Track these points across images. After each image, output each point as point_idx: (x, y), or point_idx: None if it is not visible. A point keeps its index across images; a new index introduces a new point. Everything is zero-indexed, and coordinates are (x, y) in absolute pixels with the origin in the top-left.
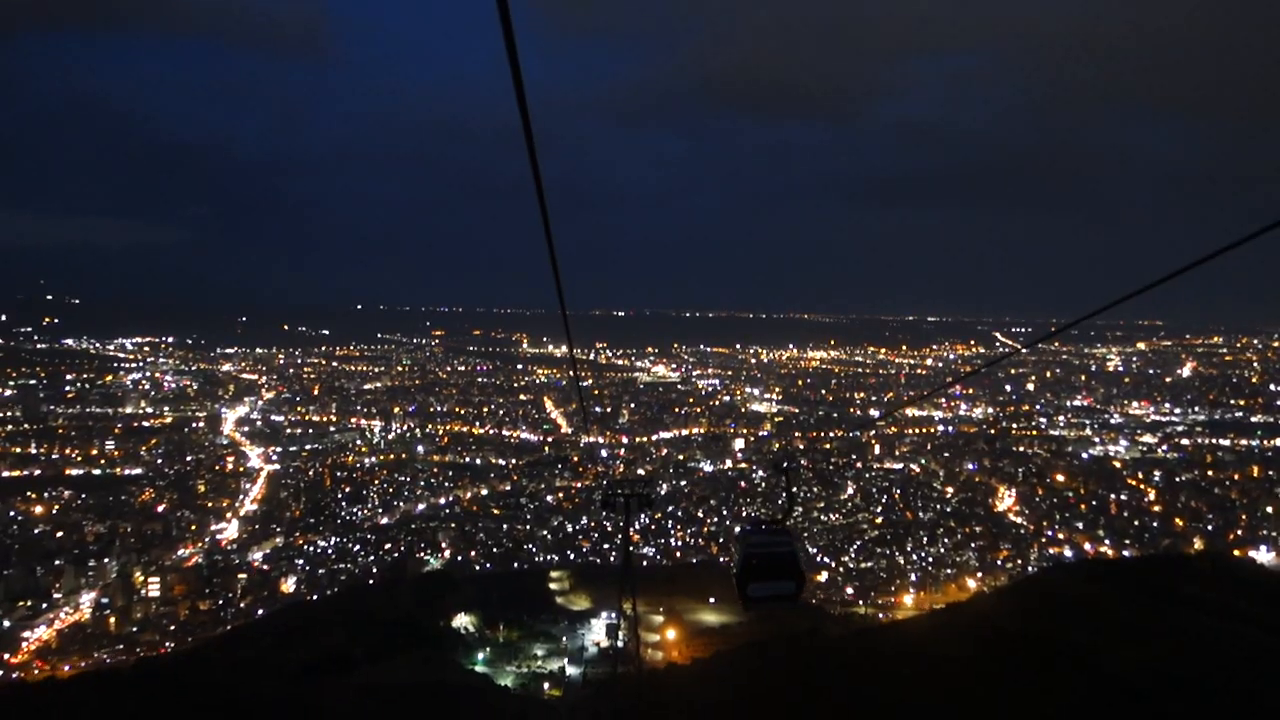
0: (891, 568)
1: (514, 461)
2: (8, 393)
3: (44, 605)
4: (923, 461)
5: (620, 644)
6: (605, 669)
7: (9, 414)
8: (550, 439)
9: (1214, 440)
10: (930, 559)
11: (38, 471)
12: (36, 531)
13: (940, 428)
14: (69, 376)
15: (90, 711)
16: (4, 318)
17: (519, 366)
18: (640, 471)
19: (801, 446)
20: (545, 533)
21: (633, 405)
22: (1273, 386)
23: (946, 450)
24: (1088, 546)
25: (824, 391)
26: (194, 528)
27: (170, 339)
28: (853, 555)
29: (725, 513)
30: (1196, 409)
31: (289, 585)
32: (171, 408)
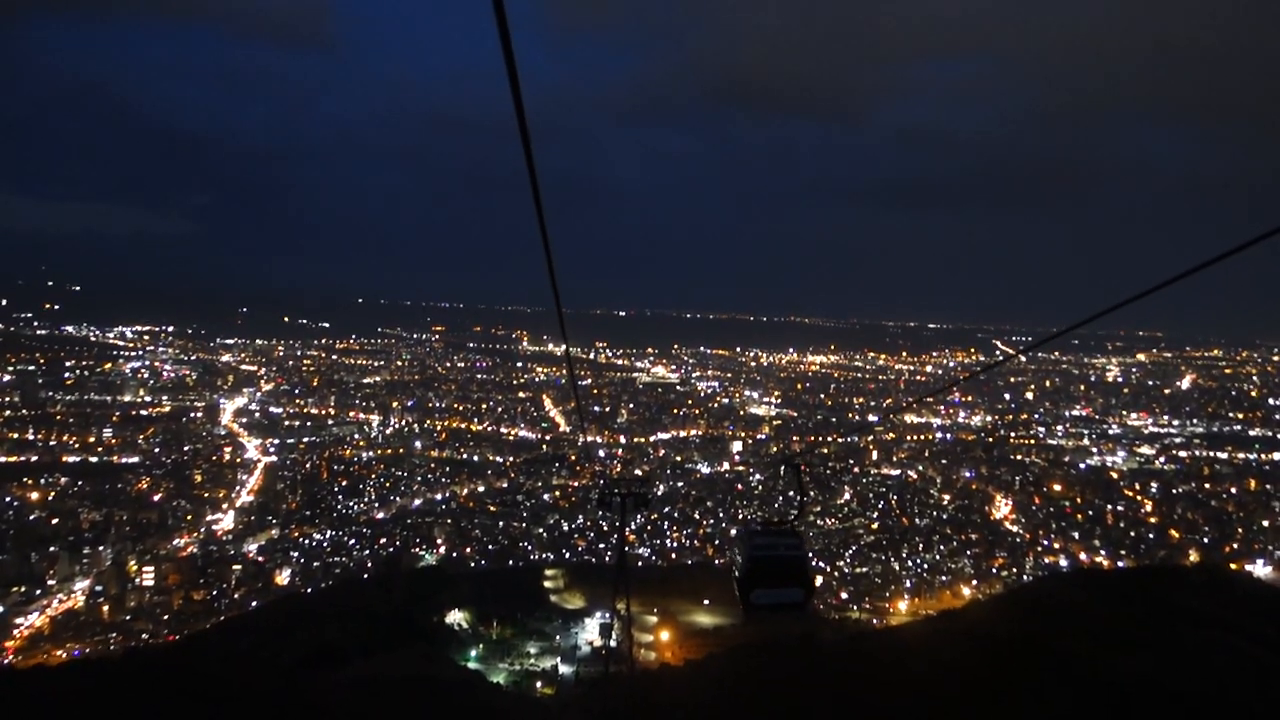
0: (887, 573)
1: (511, 459)
2: (6, 378)
3: (38, 592)
4: (920, 468)
5: (614, 644)
6: (598, 668)
7: (7, 399)
8: (548, 437)
9: (1212, 453)
10: (926, 565)
11: (34, 457)
12: (32, 517)
13: (938, 434)
14: (68, 363)
15: (80, 700)
16: (4, 303)
17: (518, 364)
18: (638, 472)
19: (799, 450)
20: (541, 531)
21: (631, 405)
22: (1272, 400)
23: (944, 457)
24: (1083, 556)
25: (823, 396)
26: (190, 517)
27: (170, 328)
28: (848, 560)
29: (722, 515)
30: (1195, 421)
31: (283, 577)
32: (170, 397)
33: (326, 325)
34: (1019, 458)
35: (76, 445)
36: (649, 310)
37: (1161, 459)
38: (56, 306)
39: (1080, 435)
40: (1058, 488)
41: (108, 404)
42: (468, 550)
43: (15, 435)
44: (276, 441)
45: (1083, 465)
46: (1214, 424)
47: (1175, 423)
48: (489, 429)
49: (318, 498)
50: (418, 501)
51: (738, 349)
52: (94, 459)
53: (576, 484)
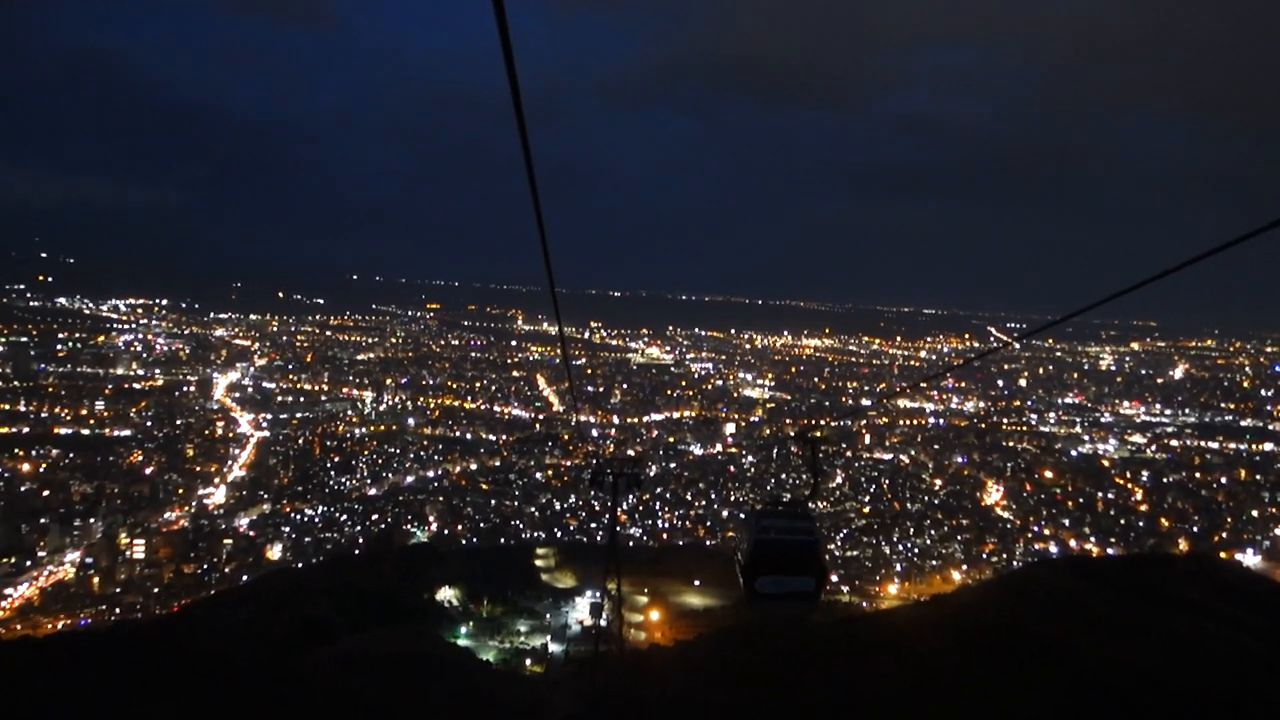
0: (877, 557)
1: (504, 437)
2: None
3: (28, 563)
4: (912, 453)
5: (604, 623)
6: (588, 647)
7: None
8: (542, 416)
9: (1203, 442)
10: (916, 550)
11: (26, 429)
12: (23, 489)
13: (931, 420)
14: (61, 336)
15: (65, 673)
16: None
17: (513, 343)
18: (630, 452)
19: (792, 434)
20: (533, 509)
21: (625, 386)
22: (1263, 391)
23: (937, 442)
24: (1073, 543)
25: (817, 380)
26: (181, 491)
27: (164, 301)
28: (839, 543)
29: (714, 496)
30: (1187, 411)
31: (275, 552)
32: (163, 370)
33: (321, 301)
34: (1011, 444)
35: (68, 418)
36: (644, 291)
37: (1153, 448)
38: (50, 279)
39: (1072, 423)
40: (1049, 475)
41: (100, 377)
42: (459, 528)
43: (7, 407)
44: (269, 417)
45: (1074, 453)
46: (1206, 414)
47: (1167, 412)
48: (482, 407)
49: (310, 473)
50: (410, 479)
51: (732, 331)
52: (86, 432)
53: (569, 463)
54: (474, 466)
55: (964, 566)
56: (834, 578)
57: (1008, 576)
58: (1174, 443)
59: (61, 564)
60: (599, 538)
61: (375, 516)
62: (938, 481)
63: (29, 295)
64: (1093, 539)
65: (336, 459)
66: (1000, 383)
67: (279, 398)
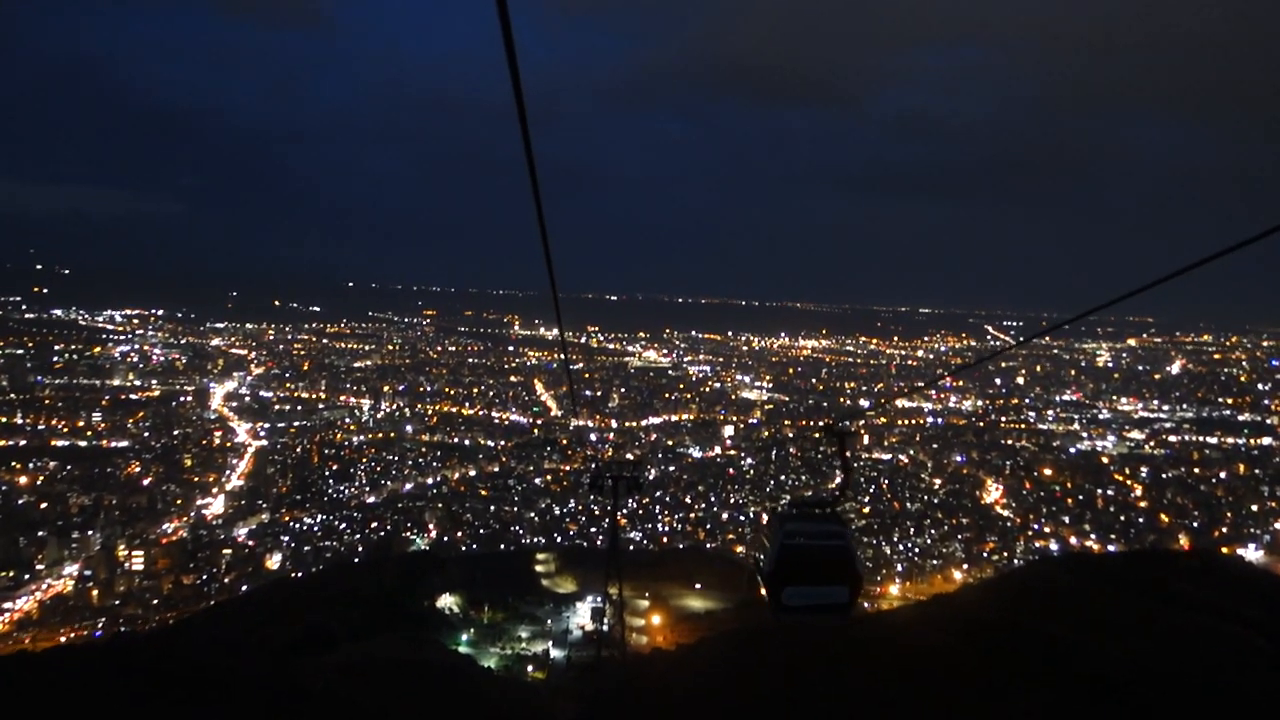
0: (878, 558)
1: (503, 443)
2: None
3: (26, 576)
4: (911, 452)
5: (605, 628)
6: (589, 652)
7: None
8: (540, 421)
9: (1201, 438)
10: (916, 550)
11: (23, 442)
12: (20, 502)
13: (929, 419)
14: (57, 347)
15: (62, 688)
16: None
17: (510, 348)
18: (629, 456)
19: (791, 435)
20: (532, 515)
21: (623, 390)
22: (1260, 385)
23: (935, 442)
24: (1074, 540)
25: (814, 381)
26: (179, 502)
27: (160, 311)
28: None
29: (713, 499)
30: (1185, 406)
31: (274, 562)
32: (160, 381)
33: (317, 309)
34: (1010, 442)
35: (65, 429)
36: (640, 295)
37: (1151, 444)
38: (44, 290)
39: (1071, 420)
40: (1048, 472)
41: (97, 388)
42: (459, 534)
43: (4, 419)
44: (267, 425)
45: (1073, 450)
46: (1203, 409)
47: (1165, 408)
48: (480, 413)
49: (308, 482)
50: (409, 485)
51: (729, 333)
52: (83, 443)
53: (568, 468)
54: (473, 472)
55: (965, 565)
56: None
57: (1009, 575)
58: (1172, 438)
59: (60, 577)
60: (599, 542)
61: (374, 524)
62: (937, 481)
63: (24, 307)
64: (1093, 536)
65: (335, 467)
66: (998, 381)
67: (276, 406)
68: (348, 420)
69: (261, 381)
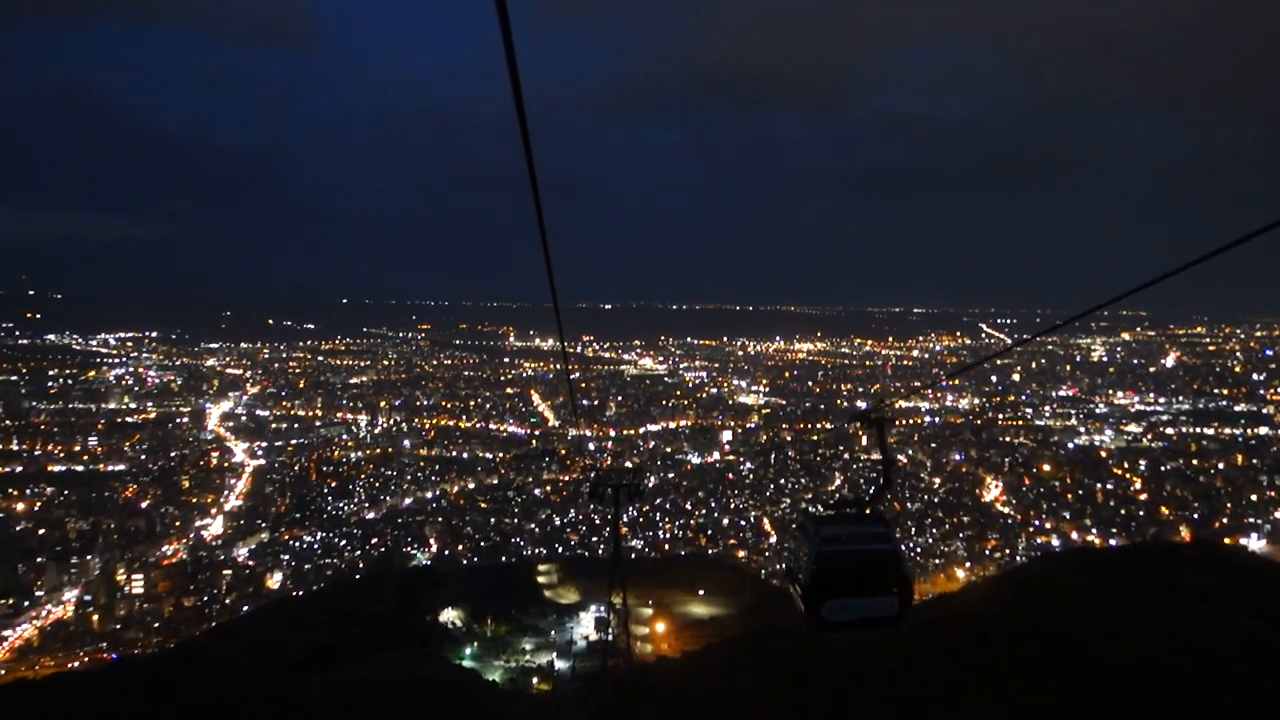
0: None
1: (501, 455)
2: None
3: (26, 603)
4: (910, 452)
5: (609, 637)
6: (594, 662)
7: None
8: (538, 432)
9: (1198, 429)
10: (919, 549)
11: (19, 468)
12: (18, 529)
13: (927, 418)
14: (51, 372)
15: (67, 713)
16: None
17: (506, 360)
18: (628, 464)
19: (789, 438)
20: (533, 526)
21: (620, 398)
22: (1255, 376)
23: (933, 441)
24: (1075, 535)
25: (811, 383)
26: (178, 524)
27: (154, 334)
28: None
29: (714, 505)
30: (1181, 398)
31: (275, 581)
32: (155, 403)
33: (311, 327)
34: (1008, 439)
35: (62, 454)
36: (634, 303)
37: (1149, 437)
38: (38, 315)
39: (1068, 415)
40: (1047, 468)
41: (92, 412)
42: (460, 548)
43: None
44: (264, 444)
45: (1071, 445)
46: (1200, 401)
47: (1161, 400)
48: (478, 426)
49: (307, 500)
50: (408, 500)
51: (724, 339)
52: (80, 468)
53: (567, 478)
54: (472, 485)
55: (967, 564)
56: None
57: (1012, 572)
58: (1170, 430)
59: (60, 602)
60: (600, 551)
61: (374, 540)
62: (936, 480)
63: (18, 333)
64: (1094, 530)
65: (333, 484)
66: (994, 378)
67: (273, 425)
68: (345, 437)
69: (257, 400)
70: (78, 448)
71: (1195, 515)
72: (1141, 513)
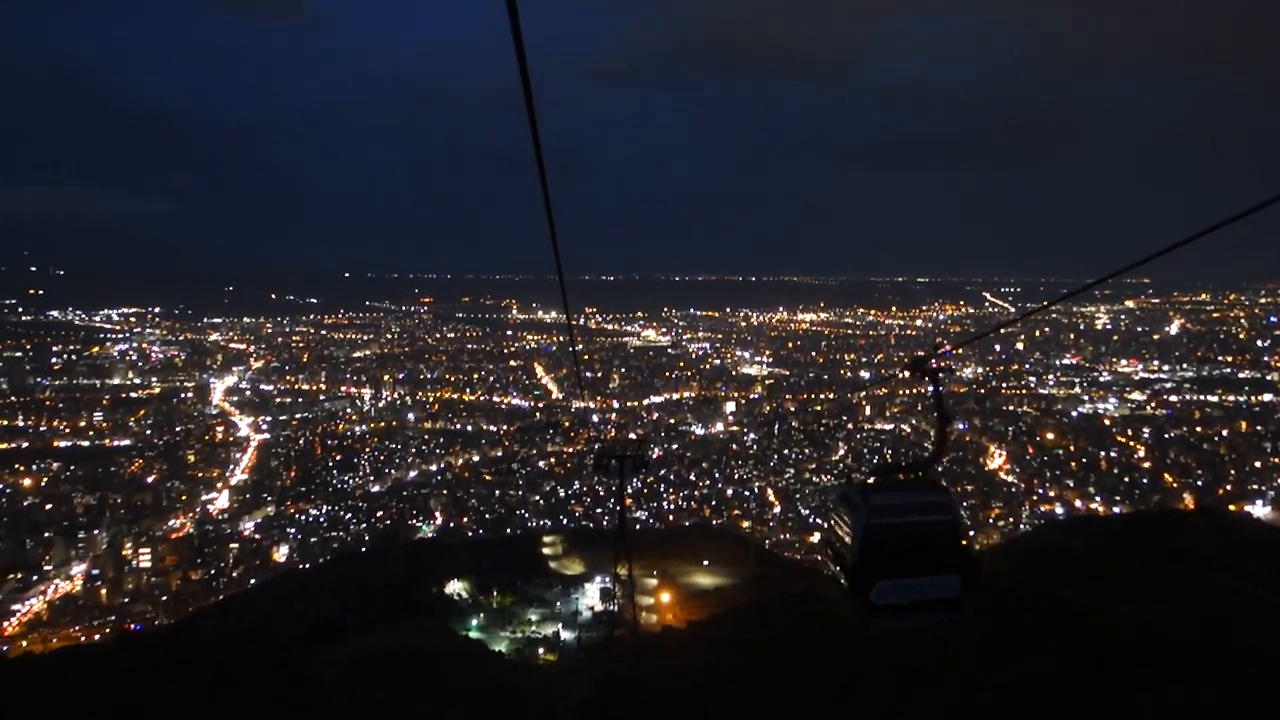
0: None
1: (505, 427)
2: None
3: (34, 578)
4: (913, 422)
5: (615, 608)
6: (600, 633)
7: None
8: (541, 404)
9: (1202, 397)
10: None
11: (25, 444)
12: (25, 504)
13: (929, 388)
14: (55, 348)
15: (73, 689)
16: None
17: (509, 333)
18: (632, 436)
19: (793, 409)
20: (538, 498)
21: (623, 370)
22: (1260, 342)
23: (936, 410)
24: (1079, 504)
25: (814, 354)
26: (184, 498)
27: (157, 309)
28: None
29: (717, 475)
30: (1185, 366)
31: (281, 554)
32: (159, 378)
33: (314, 301)
34: (1011, 408)
35: (67, 430)
36: (637, 274)
37: (1153, 404)
38: (41, 292)
39: (1071, 384)
40: (1051, 436)
41: (97, 388)
42: (465, 520)
43: (5, 422)
44: (269, 419)
45: (1075, 413)
46: (1203, 368)
47: (1165, 368)
48: (481, 398)
49: (312, 473)
50: (413, 473)
51: (727, 309)
52: (85, 443)
53: (571, 450)
54: (476, 458)
55: (971, 533)
56: None
57: (1016, 540)
58: (1173, 398)
59: (68, 577)
60: (605, 522)
61: (380, 513)
62: None
63: (20, 310)
64: (1098, 498)
65: (338, 457)
66: (997, 347)
67: (277, 399)
68: (349, 410)
69: (261, 375)
70: (83, 423)
71: (1199, 482)
72: (1145, 480)
